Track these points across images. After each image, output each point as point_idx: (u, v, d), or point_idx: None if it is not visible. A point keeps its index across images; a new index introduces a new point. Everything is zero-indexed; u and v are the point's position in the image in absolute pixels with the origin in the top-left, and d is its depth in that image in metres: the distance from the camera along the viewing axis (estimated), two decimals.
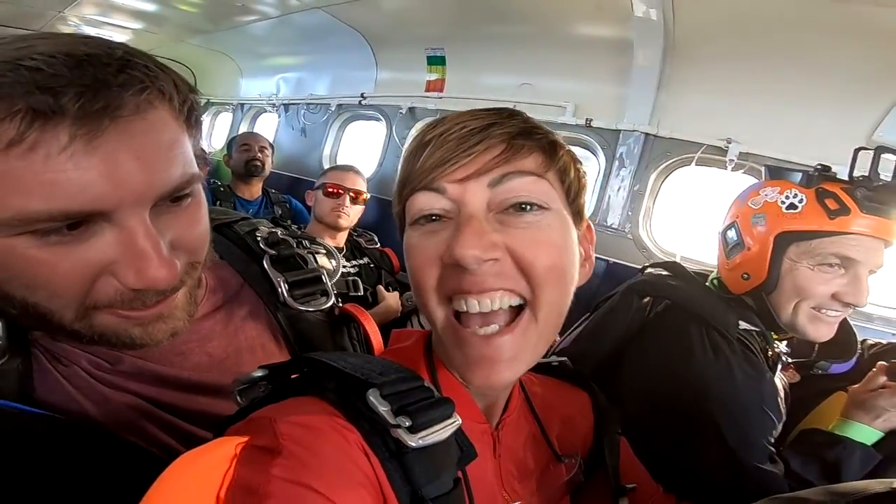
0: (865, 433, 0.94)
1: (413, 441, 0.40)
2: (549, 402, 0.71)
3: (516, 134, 0.50)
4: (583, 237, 0.58)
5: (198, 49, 3.79)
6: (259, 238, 0.74)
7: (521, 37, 2.16)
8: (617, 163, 1.96)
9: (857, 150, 0.97)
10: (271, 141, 2.80)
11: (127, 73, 0.41)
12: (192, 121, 0.49)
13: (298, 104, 3.42)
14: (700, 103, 1.84)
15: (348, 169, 2.07)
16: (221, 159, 2.78)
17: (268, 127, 3.77)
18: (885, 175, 0.91)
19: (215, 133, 4.49)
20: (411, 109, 2.68)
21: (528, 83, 2.27)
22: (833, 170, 0.99)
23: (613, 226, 1.97)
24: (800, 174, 0.99)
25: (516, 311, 0.50)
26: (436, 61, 2.60)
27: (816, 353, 1.15)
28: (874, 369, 1.01)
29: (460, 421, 0.44)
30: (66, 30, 3.27)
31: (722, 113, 1.79)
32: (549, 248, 0.50)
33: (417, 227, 0.52)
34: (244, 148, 2.60)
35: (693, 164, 1.80)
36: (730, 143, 1.73)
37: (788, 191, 0.98)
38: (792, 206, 0.96)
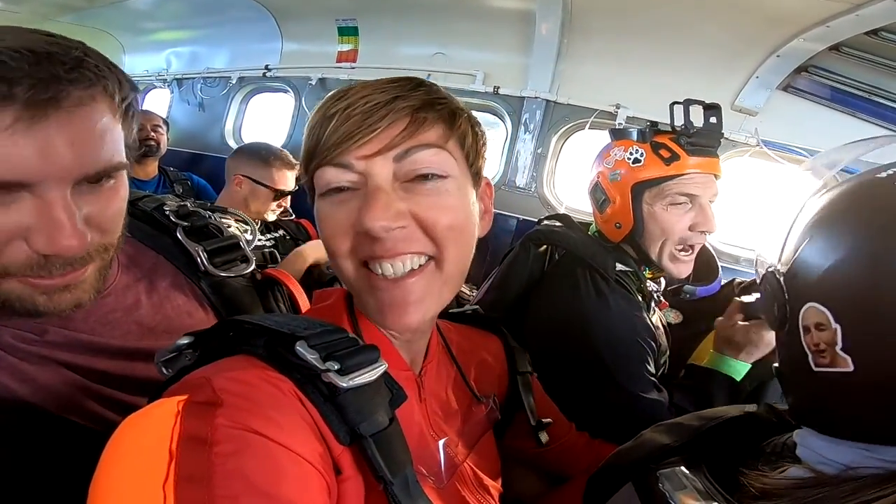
0: (734, 366, 1.04)
1: (344, 382, 0.42)
2: (466, 348, 0.76)
3: (419, 107, 0.52)
4: (483, 193, 0.62)
5: (70, 27, 3.27)
6: (168, 211, 0.74)
7: (434, 7, 2.17)
8: (522, 128, 2.06)
9: (672, 105, 1.11)
10: (165, 117, 2.55)
11: (78, 72, 0.46)
12: (128, 115, 0.54)
13: (194, 78, 3.14)
14: (594, 72, 1.97)
15: (293, 166, 1.88)
16: None
17: (159, 103, 3.43)
18: (698, 123, 1.06)
19: None
20: (322, 80, 2.58)
21: (441, 52, 2.29)
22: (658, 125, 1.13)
23: (521, 186, 2.08)
24: (635, 131, 1.13)
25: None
26: (348, 32, 2.52)
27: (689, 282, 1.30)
28: (731, 305, 1.12)
29: (386, 364, 0.47)
30: None
31: (612, 81, 1.94)
32: (449, 211, 0.54)
33: (327, 197, 0.54)
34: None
35: (587, 127, 1.95)
36: (618, 108, 1.89)
37: (631, 148, 1.10)
38: (636, 161, 1.09)
